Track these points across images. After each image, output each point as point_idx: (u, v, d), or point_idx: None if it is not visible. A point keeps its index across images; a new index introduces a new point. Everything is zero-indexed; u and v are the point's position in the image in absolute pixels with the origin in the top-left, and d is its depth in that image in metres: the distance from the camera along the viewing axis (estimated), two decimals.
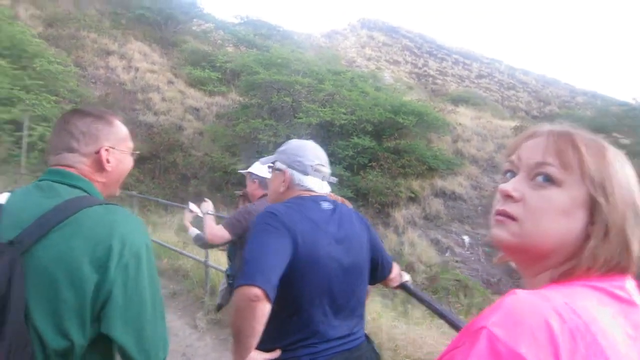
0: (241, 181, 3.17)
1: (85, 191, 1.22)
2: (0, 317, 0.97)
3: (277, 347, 1.55)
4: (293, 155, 1.75)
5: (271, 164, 1.83)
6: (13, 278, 0.99)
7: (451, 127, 18.07)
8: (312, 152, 1.77)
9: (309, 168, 1.72)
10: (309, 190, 1.72)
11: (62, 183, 1.20)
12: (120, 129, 1.35)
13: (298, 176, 1.72)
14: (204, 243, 2.99)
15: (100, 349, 1.14)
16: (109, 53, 19.94)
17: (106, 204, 1.19)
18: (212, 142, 16.71)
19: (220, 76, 20.57)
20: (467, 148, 17.58)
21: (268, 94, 16.94)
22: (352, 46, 34.38)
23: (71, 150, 1.25)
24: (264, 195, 2.93)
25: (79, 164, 1.25)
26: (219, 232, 2.79)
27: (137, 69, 19.78)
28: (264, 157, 1.94)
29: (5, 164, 12.58)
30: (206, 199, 3.06)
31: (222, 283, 3.47)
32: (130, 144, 1.39)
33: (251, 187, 3.06)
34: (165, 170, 15.07)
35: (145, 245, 1.18)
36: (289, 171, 1.73)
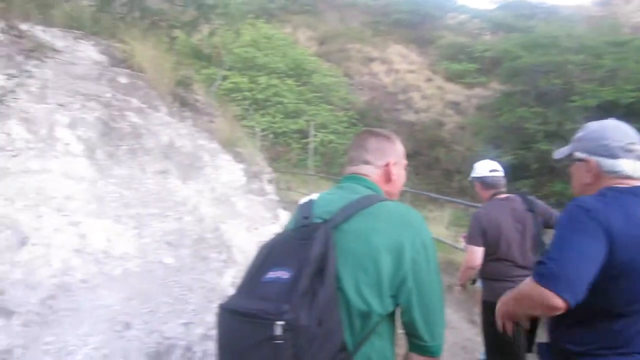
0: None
1: (376, 193, 1.45)
2: (320, 276, 1.17)
3: (580, 350, 1.45)
4: (595, 140, 1.55)
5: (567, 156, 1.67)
6: (328, 245, 1.21)
7: None
8: (618, 130, 1.54)
9: (618, 149, 1.50)
10: (624, 176, 1.50)
11: (358, 184, 1.45)
12: (400, 147, 1.57)
13: (606, 162, 1.51)
14: (475, 270, 3.04)
15: (394, 321, 1.33)
16: (371, 60, 21.76)
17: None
18: (474, 136, 16.48)
19: (478, 67, 20.20)
20: None
21: (534, 78, 15.82)
22: (637, 9, 28.85)
23: (366, 162, 1.51)
24: (494, 195, 3.00)
25: (372, 173, 1.49)
26: (470, 255, 2.91)
27: (397, 71, 20.99)
28: (560, 147, 1.77)
29: (296, 167, 15.03)
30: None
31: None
32: (405, 161, 1.60)
33: (477, 190, 3.13)
34: (427, 166, 15.57)
35: (430, 237, 1.36)
36: (594, 159, 1.54)
